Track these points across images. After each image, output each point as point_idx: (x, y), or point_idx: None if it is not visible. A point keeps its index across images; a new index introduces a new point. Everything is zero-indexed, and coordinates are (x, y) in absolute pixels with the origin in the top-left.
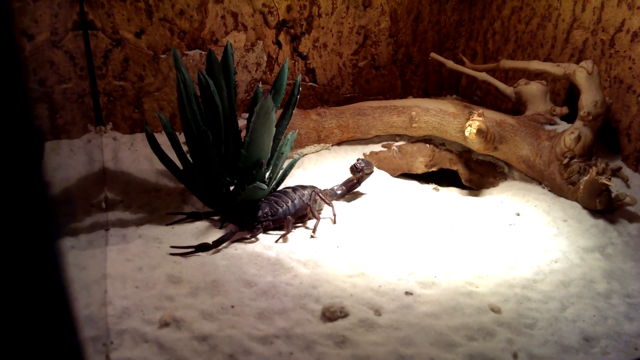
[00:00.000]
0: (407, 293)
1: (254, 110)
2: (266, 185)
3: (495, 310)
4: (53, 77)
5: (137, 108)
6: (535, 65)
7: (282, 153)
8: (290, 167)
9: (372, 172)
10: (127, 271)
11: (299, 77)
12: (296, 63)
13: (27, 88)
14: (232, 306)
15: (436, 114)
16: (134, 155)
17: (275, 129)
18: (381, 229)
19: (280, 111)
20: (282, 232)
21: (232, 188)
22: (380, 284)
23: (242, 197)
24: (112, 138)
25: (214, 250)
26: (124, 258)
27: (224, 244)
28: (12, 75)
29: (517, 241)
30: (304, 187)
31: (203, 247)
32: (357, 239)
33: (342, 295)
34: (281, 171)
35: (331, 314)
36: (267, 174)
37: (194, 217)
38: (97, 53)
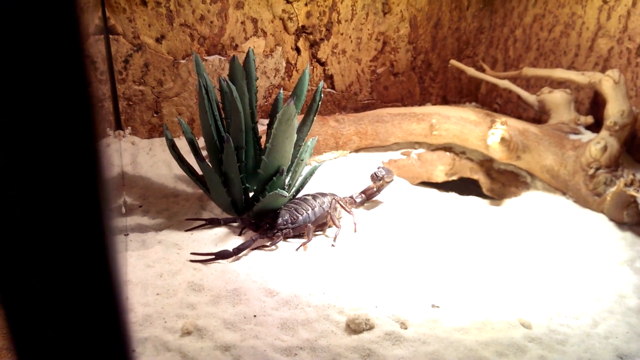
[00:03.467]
0: (433, 306)
1: (276, 116)
2: (286, 192)
3: (526, 325)
4: None
5: (156, 113)
6: (559, 73)
7: (302, 160)
8: (310, 174)
9: (393, 180)
10: (148, 277)
11: (321, 83)
12: (315, 69)
13: (92, 91)
14: (255, 315)
15: (457, 122)
16: (153, 160)
17: (296, 135)
18: (403, 238)
19: (300, 117)
20: (303, 241)
21: (251, 195)
22: (404, 296)
23: (262, 204)
24: (130, 142)
25: (234, 257)
26: (144, 264)
27: (244, 252)
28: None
29: (542, 254)
30: (323, 195)
31: (223, 255)
32: (379, 248)
33: (366, 307)
34: (300, 178)
35: (356, 326)
36: (287, 180)
37: (212, 223)
38: (118, 58)
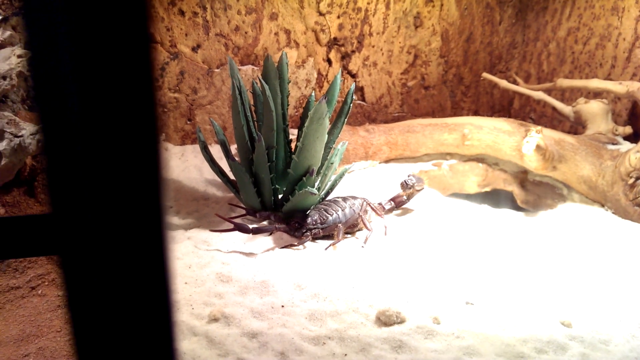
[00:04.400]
0: (467, 303)
1: (308, 115)
2: (316, 191)
3: (566, 324)
4: None
5: (189, 120)
6: (596, 83)
7: (332, 163)
8: (340, 176)
9: (423, 188)
10: (177, 268)
11: (353, 86)
12: (345, 80)
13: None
14: (282, 306)
15: (490, 132)
16: (184, 165)
17: (327, 136)
18: (434, 243)
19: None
20: (332, 241)
21: (280, 196)
22: (437, 293)
23: (292, 203)
24: (163, 149)
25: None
26: (174, 256)
27: (262, 234)
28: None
29: (580, 261)
30: (354, 197)
31: (242, 228)
32: (409, 251)
33: (397, 302)
34: (329, 182)
35: (387, 318)
36: (317, 183)
37: (248, 214)
38: (155, 65)
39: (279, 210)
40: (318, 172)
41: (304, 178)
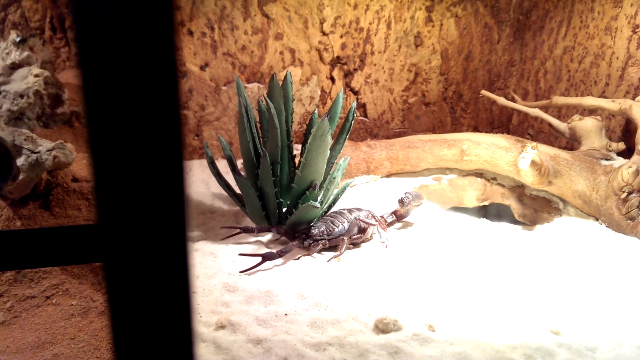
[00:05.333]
0: (463, 311)
1: (310, 132)
2: (318, 204)
3: (554, 332)
4: None
5: (196, 135)
6: (590, 101)
7: (334, 178)
8: (342, 190)
9: (421, 203)
10: None
11: (354, 104)
12: (348, 97)
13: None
14: (286, 314)
15: (488, 147)
16: (192, 179)
17: (329, 152)
18: (432, 255)
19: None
20: (336, 253)
21: (284, 210)
22: (433, 304)
23: (295, 216)
24: None
25: (269, 262)
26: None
27: (282, 258)
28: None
29: (572, 273)
30: (359, 209)
31: (269, 257)
32: (409, 262)
33: (394, 311)
34: (332, 196)
35: (384, 326)
36: (319, 197)
37: (247, 231)
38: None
39: (282, 223)
40: (321, 187)
41: (307, 192)
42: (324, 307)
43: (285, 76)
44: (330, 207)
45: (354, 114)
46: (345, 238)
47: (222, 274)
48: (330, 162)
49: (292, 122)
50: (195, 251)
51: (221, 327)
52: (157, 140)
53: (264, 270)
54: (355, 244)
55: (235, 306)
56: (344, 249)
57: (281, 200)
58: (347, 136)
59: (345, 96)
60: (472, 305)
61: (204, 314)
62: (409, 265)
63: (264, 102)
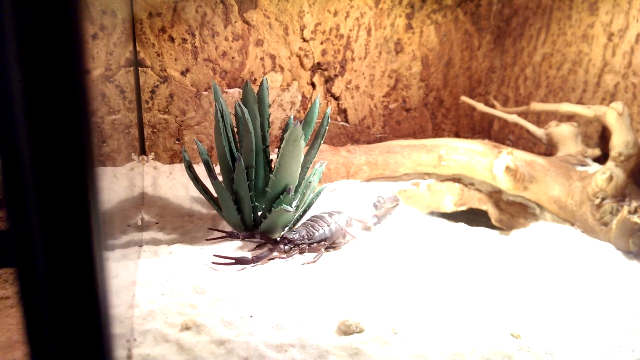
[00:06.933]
0: (427, 315)
1: (284, 137)
2: (291, 207)
3: (515, 336)
4: (104, 109)
5: (177, 140)
6: (566, 107)
7: (310, 182)
8: (317, 195)
9: (397, 204)
10: (156, 280)
11: (329, 109)
12: (329, 103)
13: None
14: (251, 316)
15: (465, 153)
16: (172, 183)
17: (303, 157)
18: (405, 259)
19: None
20: (311, 260)
21: (260, 214)
22: (398, 307)
23: (269, 220)
24: (152, 167)
25: (243, 265)
26: (154, 270)
27: (263, 260)
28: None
29: (543, 279)
30: (339, 212)
31: (243, 261)
32: (380, 266)
33: (358, 314)
34: (308, 200)
35: (347, 328)
36: (295, 202)
37: (232, 236)
38: (146, 88)
39: (257, 227)
40: (296, 191)
41: (282, 196)
42: (291, 309)
43: (262, 82)
44: (305, 211)
45: (328, 119)
46: (323, 250)
47: (194, 275)
48: (306, 167)
49: (269, 126)
50: (169, 254)
51: (186, 328)
52: (61, 146)
53: (236, 272)
54: (334, 247)
55: (202, 308)
56: (319, 258)
57: (256, 204)
58: (322, 141)
59: (327, 101)
60: (437, 309)
61: (170, 315)
62: (381, 268)
63: (239, 107)
